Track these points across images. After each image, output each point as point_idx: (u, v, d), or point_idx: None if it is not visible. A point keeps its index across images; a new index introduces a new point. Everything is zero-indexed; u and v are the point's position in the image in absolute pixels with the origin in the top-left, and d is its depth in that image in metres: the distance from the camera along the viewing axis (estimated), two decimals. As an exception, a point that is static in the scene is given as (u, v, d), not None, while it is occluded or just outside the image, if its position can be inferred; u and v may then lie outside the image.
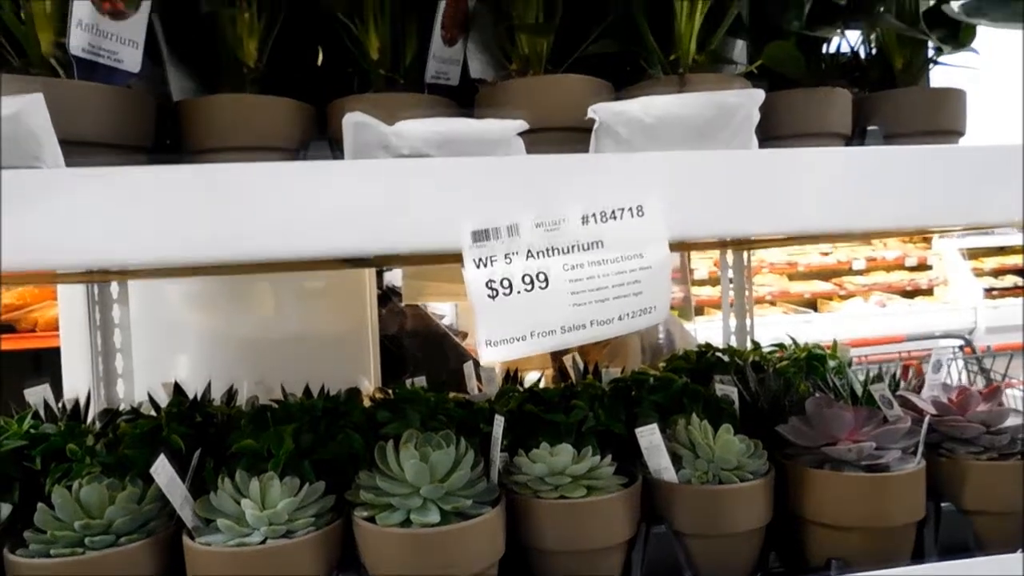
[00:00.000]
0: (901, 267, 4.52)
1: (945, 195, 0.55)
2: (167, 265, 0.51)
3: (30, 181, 0.45)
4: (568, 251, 0.51)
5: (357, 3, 0.62)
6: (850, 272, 4.50)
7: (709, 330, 1.54)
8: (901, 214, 0.55)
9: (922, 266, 4.52)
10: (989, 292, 4.24)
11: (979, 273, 4.41)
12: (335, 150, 0.59)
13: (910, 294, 4.42)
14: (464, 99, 0.64)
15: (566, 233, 0.52)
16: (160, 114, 0.59)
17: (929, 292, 4.45)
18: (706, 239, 0.63)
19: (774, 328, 3.41)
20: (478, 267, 0.50)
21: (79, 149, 0.50)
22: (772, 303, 4.30)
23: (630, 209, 0.52)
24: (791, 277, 4.44)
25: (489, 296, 0.50)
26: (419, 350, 1.39)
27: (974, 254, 4.48)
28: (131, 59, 0.56)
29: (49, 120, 0.47)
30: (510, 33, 0.62)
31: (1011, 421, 0.64)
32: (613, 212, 0.52)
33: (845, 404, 0.70)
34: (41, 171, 0.47)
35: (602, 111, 0.54)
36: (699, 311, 3.95)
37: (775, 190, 0.53)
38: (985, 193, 0.55)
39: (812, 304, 4.38)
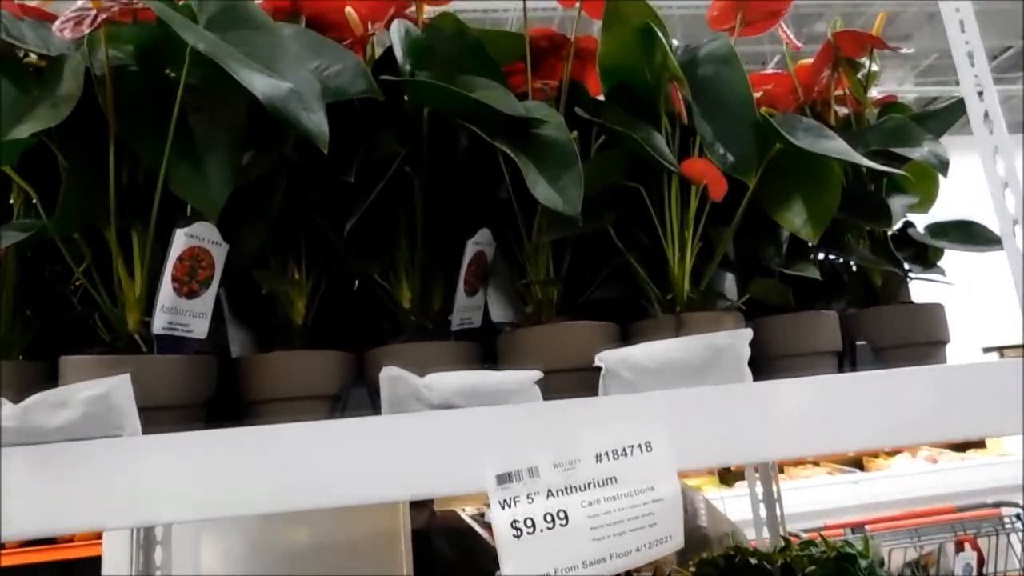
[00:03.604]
0: (946, 420, 4.37)
1: (921, 411, 0.60)
2: (223, 517, 0.57)
3: (113, 449, 0.52)
4: (585, 488, 0.56)
5: (391, 262, 0.73)
6: (893, 428, 4.36)
7: (739, 501, 1.58)
8: (885, 432, 0.60)
9: (967, 418, 4.36)
10: (1044, 440, 4.05)
11: (1028, 422, 4.24)
12: (372, 395, 0.66)
13: (960, 447, 4.23)
14: (486, 339, 0.72)
15: (582, 472, 0.57)
16: (220, 366, 0.67)
17: (981, 444, 4.27)
18: (712, 467, 0.67)
19: (817, 492, 3.27)
20: (503, 508, 0.55)
21: (153, 413, 0.58)
22: (816, 464, 4.15)
23: (639, 445, 0.58)
24: (832, 436, 4.31)
25: (514, 536, 0.54)
26: (451, 550, 1.39)
27: (1018, 402, 4.32)
28: (200, 328, 0.65)
29: (133, 397, 0.55)
30: (525, 285, 0.72)
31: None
32: (624, 449, 0.57)
33: (878, 616, 0.70)
34: (123, 439, 0.54)
35: (607, 358, 0.61)
36: (739, 475, 3.83)
37: (765, 418, 0.59)
38: (961, 407, 0.60)
39: (858, 463, 4.21)
